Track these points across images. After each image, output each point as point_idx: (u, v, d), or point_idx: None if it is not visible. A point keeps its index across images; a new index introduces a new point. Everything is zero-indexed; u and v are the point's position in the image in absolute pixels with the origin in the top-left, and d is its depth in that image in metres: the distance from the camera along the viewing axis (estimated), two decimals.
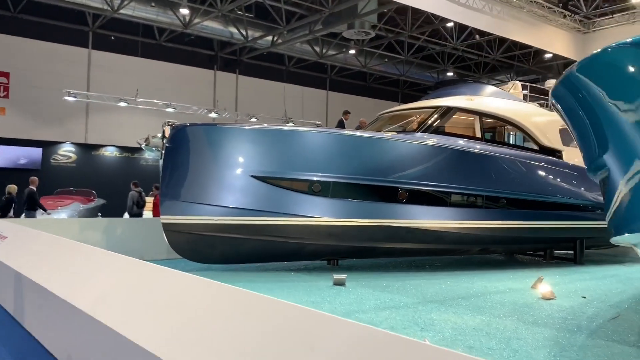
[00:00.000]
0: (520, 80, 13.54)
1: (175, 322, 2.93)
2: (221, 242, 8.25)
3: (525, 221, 9.56)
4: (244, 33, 22.22)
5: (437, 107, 9.82)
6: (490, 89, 11.15)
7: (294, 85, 28.00)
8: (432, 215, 8.89)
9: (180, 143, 8.23)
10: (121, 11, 19.46)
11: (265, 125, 10.75)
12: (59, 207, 17.01)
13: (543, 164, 9.87)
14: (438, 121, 9.55)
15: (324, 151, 8.57)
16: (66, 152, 22.76)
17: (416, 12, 21.26)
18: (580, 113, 4.53)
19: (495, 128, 11.20)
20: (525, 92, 11.99)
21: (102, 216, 16.71)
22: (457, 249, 9.94)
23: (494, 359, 4.16)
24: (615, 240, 4.89)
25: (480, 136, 9.81)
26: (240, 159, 8.27)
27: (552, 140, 10.26)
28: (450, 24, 22.06)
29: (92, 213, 18.24)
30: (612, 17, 20.98)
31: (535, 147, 10.25)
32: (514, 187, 9.48)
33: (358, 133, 9.42)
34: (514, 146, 10.59)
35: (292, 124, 21.70)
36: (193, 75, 25.32)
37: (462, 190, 9.13)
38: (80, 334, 3.80)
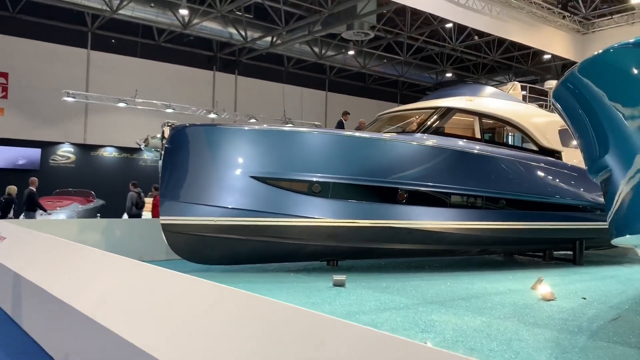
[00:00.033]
0: (519, 81, 13.53)
1: (174, 324, 2.91)
2: (221, 243, 8.23)
3: (525, 222, 9.55)
4: (243, 34, 22.20)
5: (436, 108, 9.81)
6: (489, 89, 11.14)
7: (293, 86, 27.99)
8: (432, 216, 8.88)
9: (180, 144, 8.21)
10: (120, 12, 19.43)
11: (265, 125, 10.74)
12: (57, 208, 16.97)
13: (542, 165, 9.87)
14: (437, 122, 9.54)
15: (324, 152, 8.56)
16: (65, 152, 22.73)
17: (415, 13, 21.27)
18: (581, 114, 4.52)
19: (494, 129, 11.19)
20: (524, 92, 12.00)
21: (101, 217, 16.68)
22: (457, 250, 9.93)
23: None
24: (617, 241, 4.87)
25: (479, 137, 9.80)
26: (240, 160, 8.25)
27: (552, 141, 10.26)
28: (449, 25, 22.07)
29: (91, 214, 18.20)
30: (612, 18, 20.98)
31: (535, 148, 10.24)
32: (513, 187, 9.47)
33: (358, 134, 9.41)
34: (514, 147, 10.59)
35: (291, 125, 21.69)
36: (192, 76, 25.30)
37: (462, 191, 9.12)
38: (78, 335, 3.78)
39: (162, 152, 8.17)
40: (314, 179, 8.26)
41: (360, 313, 5.74)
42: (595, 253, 11.70)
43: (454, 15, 17.86)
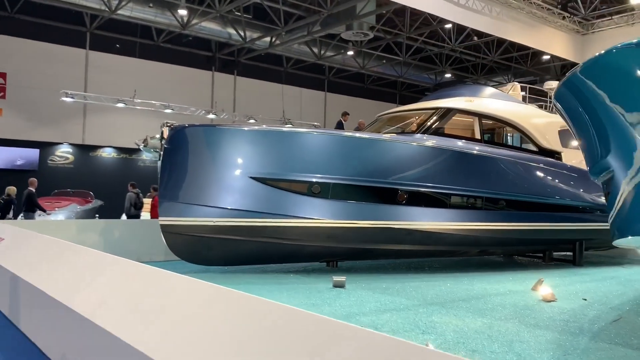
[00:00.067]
0: (518, 82, 13.51)
1: (172, 326, 2.89)
2: (220, 244, 8.19)
3: (525, 223, 9.53)
4: (242, 34, 22.17)
5: (436, 109, 9.79)
6: (489, 90, 11.13)
7: (292, 86, 27.97)
8: (432, 217, 8.85)
9: (179, 144, 8.17)
10: (119, 12, 19.39)
11: (264, 126, 10.71)
12: (56, 208, 16.89)
13: (542, 166, 9.85)
14: (437, 122, 9.52)
15: (324, 152, 8.53)
16: (63, 153, 22.68)
17: (414, 13, 21.26)
18: (583, 114, 4.49)
19: (494, 129, 11.18)
20: (523, 93, 11.98)
21: (99, 217, 16.63)
22: (456, 251, 9.90)
23: None
24: (618, 242, 4.85)
25: (479, 138, 9.78)
26: (239, 160, 8.22)
27: (551, 141, 10.24)
28: (448, 26, 22.07)
29: (89, 214, 18.14)
30: (612, 19, 20.98)
31: (535, 149, 10.22)
32: (513, 188, 9.45)
33: (357, 134, 9.39)
34: (513, 147, 10.57)
35: (290, 125, 21.67)
36: (191, 76, 25.26)
37: (462, 192, 9.10)
38: (76, 337, 3.75)
39: (161, 153, 8.14)
40: (314, 180, 8.23)
41: (360, 314, 5.71)
42: (595, 254, 11.69)
43: (453, 15, 17.86)
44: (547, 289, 6.95)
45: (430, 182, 8.83)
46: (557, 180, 9.97)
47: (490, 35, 21.23)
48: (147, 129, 11.62)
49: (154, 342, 2.81)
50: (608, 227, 5.16)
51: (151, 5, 19.95)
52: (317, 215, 8.23)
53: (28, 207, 12.66)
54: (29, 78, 21.15)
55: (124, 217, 14.35)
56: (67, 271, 4.68)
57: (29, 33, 21.18)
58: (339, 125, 11.89)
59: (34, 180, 13.09)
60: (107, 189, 20.87)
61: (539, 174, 9.85)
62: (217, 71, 26.17)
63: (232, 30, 22.18)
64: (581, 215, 10.06)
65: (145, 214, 15.01)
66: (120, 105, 21.04)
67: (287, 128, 10.72)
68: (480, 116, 9.94)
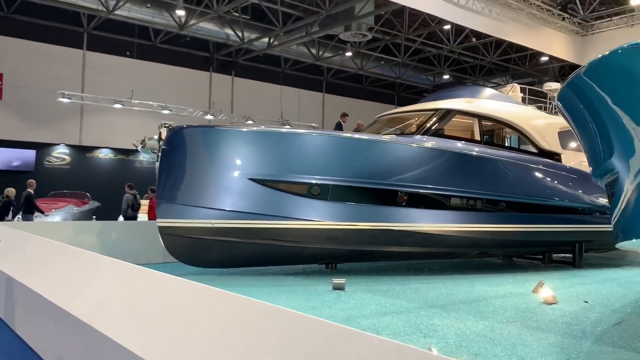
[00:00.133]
0: (516, 83, 13.50)
1: (170, 329, 2.85)
2: (218, 246, 8.13)
3: (525, 224, 9.49)
4: (240, 35, 22.11)
5: (436, 110, 9.75)
6: (489, 91, 11.10)
7: (290, 87, 27.93)
8: (431, 219, 8.80)
9: (177, 145, 8.11)
10: (116, 12, 19.33)
11: (263, 127, 10.65)
12: (52, 210, 16.79)
13: (542, 167, 9.81)
14: (437, 124, 9.47)
15: (323, 154, 8.47)
16: (60, 154, 22.57)
17: (413, 14, 21.25)
18: (586, 116, 4.44)
19: (494, 131, 11.15)
20: (523, 94, 11.95)
21: (96, 219, 16.55)
22: (456, 253, 9.85)
23: None
24: (622, 245, 4.81)
25: (479, 139, 9.74)
26: (238, 162, 8.15)
27: (551, 143, 10.21)
28: (447, 27, 22.06)
29: (86, 216, 18.05)
30: (611, 20, 20.99)
31: (534, 150, 10.19)
32: (513, 190, 9.41)
33: (357, 135, 9.33)
34: (513, 149, 10.54)
35: (289, 127, 21.62)
36: (188, 77, 25.19)
37: (461, 194, 9.06)
38: (73, 340, 3.70)
39: (159, 154, 8.07)
40: (313, 181, 8.17)
41: (361, 317, 5.65)
42: (595, 255, 11.66)
43: (453, 16, 17.84)
44: (548, 291, 6.91)
45: (430, 183, 8.78)
46: (556, 182, 9.93)
47: (489, 37, 21.22)
48: (144, 130, 11.54)
49: (151, 345, 2.77)
50: (608, 229, 5.12)
51: (149, 5, 19.88)
52: (317, 217, 8.17)
53: (26, 208, 12.60)
54: (25, 78, 21.05)
55: (121, 218, 14.26)
56: (64, 274, 4.63)
57: (25, 33, 21.08)
58: (338, 127, 11.84)
59: (32, 181, 13.02)
60: (104, 190, 20.78)
61: (539, 175, 9.82)
62: (214, 72, 26.11)
63: (230, 31, 22.13)
64: (581, 217, 10.02)
65: (142, 216, 14.93)
66: (117, 106, 20.95)
67: (286, 129, 10.66)
68: (480, 117, 9.91)
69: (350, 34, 20.55)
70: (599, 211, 9.91)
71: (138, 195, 14.55)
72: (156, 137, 8.22)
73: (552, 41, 21.08)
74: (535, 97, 12.09)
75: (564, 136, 10.22)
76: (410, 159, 8.88)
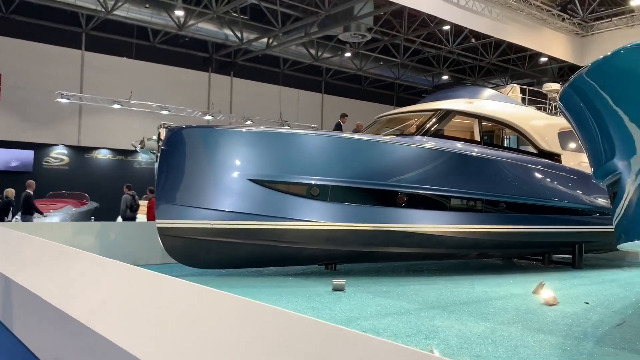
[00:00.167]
0: (516, 84, 13.48)
1: (169, 331, 2.81)
2: (217, 247, 8.09)
3: (524, 225, 9.47)
4: (239, 35, 22.07)
5: (436, 110, 9.72)
6: (489, 92, 11.08)
7: (289, 88, 27.88)
8: (431, 220, 8.78)
9: (176, 145, 8.07)
10: (115, 12, 19.27)
11: (263, 127, 10.63)
12: (51, 211, 16.72)
13: (542, 168, 9.79)
14: (437, 124, 9.45)
15: (323, 154, 8.44)
16: (59, 154, 22.51)
17: (412, 15, 21.23)
18: (589, 117, 4.42)
19: (494, 131, 11.13)
20: (523, 95, 11.93)
21: (95, 220, 16.50)
22: (456, 253, 9.83)
23: None
24: (624, 246, 4.78)
25: (479, 139, 9.72)
26: (238, 162, 8.12)
27: (551, 143, 10.20)
28: (446, 27, 22.04)
29: (84, 216, 17.98)
30: (611, 21, 20.98)
31: (534, 151, 10.17)
32: (512, 190, 9.39)
33: (357, 136, 9.30)
34: (513, 150, 10.52)
35: (288, 127, 21.59)
36: (187, 78, 25.15)
37: (461, 194, 9.03)
38: (71, 341, 3.66)
39: (158, 154, 8.03)
40: (313, 182, 8.14)
41: (361, 318, 5.62)
42: (594, 256, 11.64)
43: (453, 16, 17.82)
44: (549, 292, 6.88)
45: (430, 184, 8.75)
46: (556, 183, 9.91)
47: (488, 37, 21.20)
48: (143, 131, 11.51)
49: (149, 347, 2.74)
50: (608, 230, 5.09)
51: (147, 5, 19.84)
52: (316, 218, 8.14)
53: (25, 209, 12.55)
54: (24, 79, 20.99)
55: (119, 219, 14.21)
56: (62, 275, 4.59)
57: (24, 33, 21.02)
58: (338, 127, 11.81)
59: (31, 182, 12.97)
60: (103, 190, 20.71)
61: (539, 176, 9.80)
62: (213, 72, 26.07)
63: (228, 31, 22.09)
64: (581, 217, 10.00)
65: (141, 216, 14.88)
66: (116, 106, 20.90)
67: (285, 130, 10.64)
68: (480, 118, 9.89)
69: (349, 34, 20.52)
70: (599, 212, 9.89)
71: (137, 196, 14.51)
72: (155, 137, 8.18)
73: (551, 42, 21.07)
74: (535, 98, 12.06)
75: (563, 137, 10.21)
76: (410, 159, 8.86)
